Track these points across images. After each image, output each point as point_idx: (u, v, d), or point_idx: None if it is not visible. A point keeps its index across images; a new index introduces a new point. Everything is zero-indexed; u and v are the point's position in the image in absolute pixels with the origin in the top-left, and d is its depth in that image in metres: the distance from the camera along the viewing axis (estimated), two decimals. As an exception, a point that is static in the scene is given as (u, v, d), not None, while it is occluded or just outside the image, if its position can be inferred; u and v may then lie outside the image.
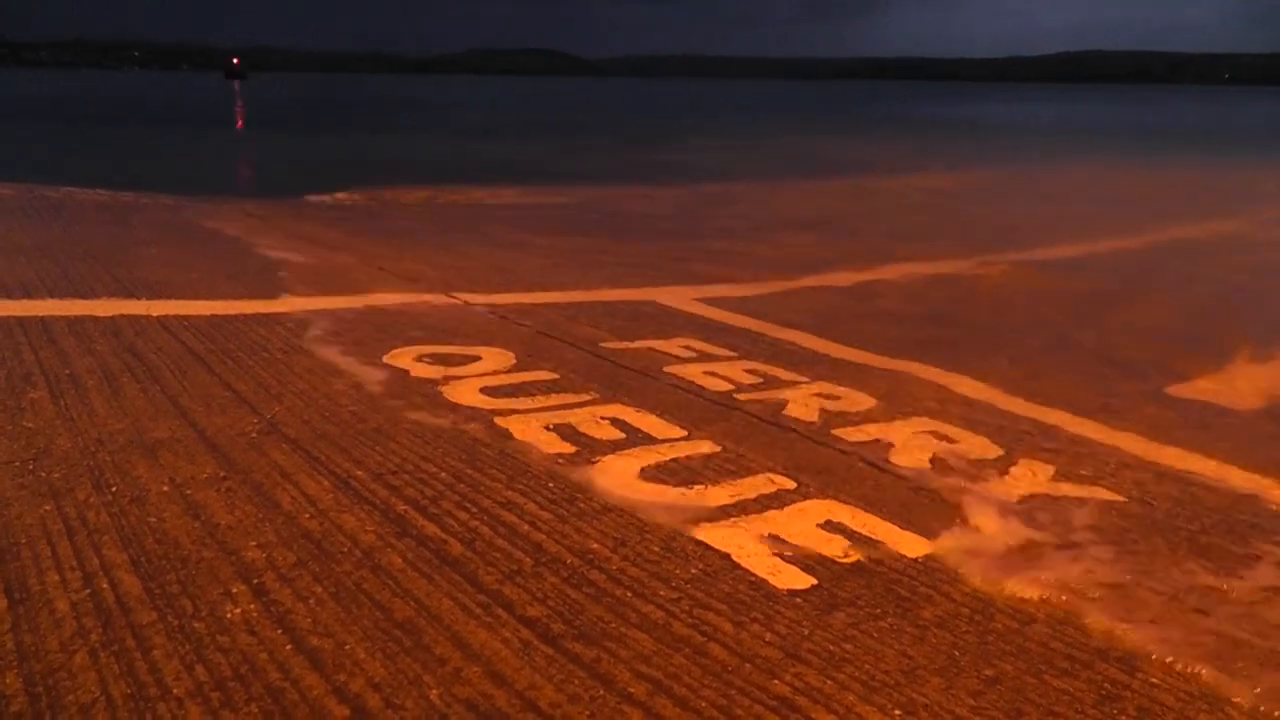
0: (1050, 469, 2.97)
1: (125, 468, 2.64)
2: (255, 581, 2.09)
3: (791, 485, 2.75)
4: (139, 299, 4.60)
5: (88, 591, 2.01)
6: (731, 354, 4.14)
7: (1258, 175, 16.28)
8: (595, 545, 2.33)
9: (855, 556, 2.35)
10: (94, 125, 25.32)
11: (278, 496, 2.51)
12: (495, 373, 3.69)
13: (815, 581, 2.22)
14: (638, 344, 4.24)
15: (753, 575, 2.23)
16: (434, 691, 1.76)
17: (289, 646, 1.87)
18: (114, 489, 2.50)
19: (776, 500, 2.64)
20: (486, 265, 6.15)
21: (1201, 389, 3.93)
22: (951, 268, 6.74)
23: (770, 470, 2.85)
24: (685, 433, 3.13)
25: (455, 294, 5.11)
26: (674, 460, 2.89)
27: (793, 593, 2.17)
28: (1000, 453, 3.09)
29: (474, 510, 2.49)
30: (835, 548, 2.39)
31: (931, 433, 3.26)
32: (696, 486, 2.71)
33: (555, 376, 3.67)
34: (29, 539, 2.22)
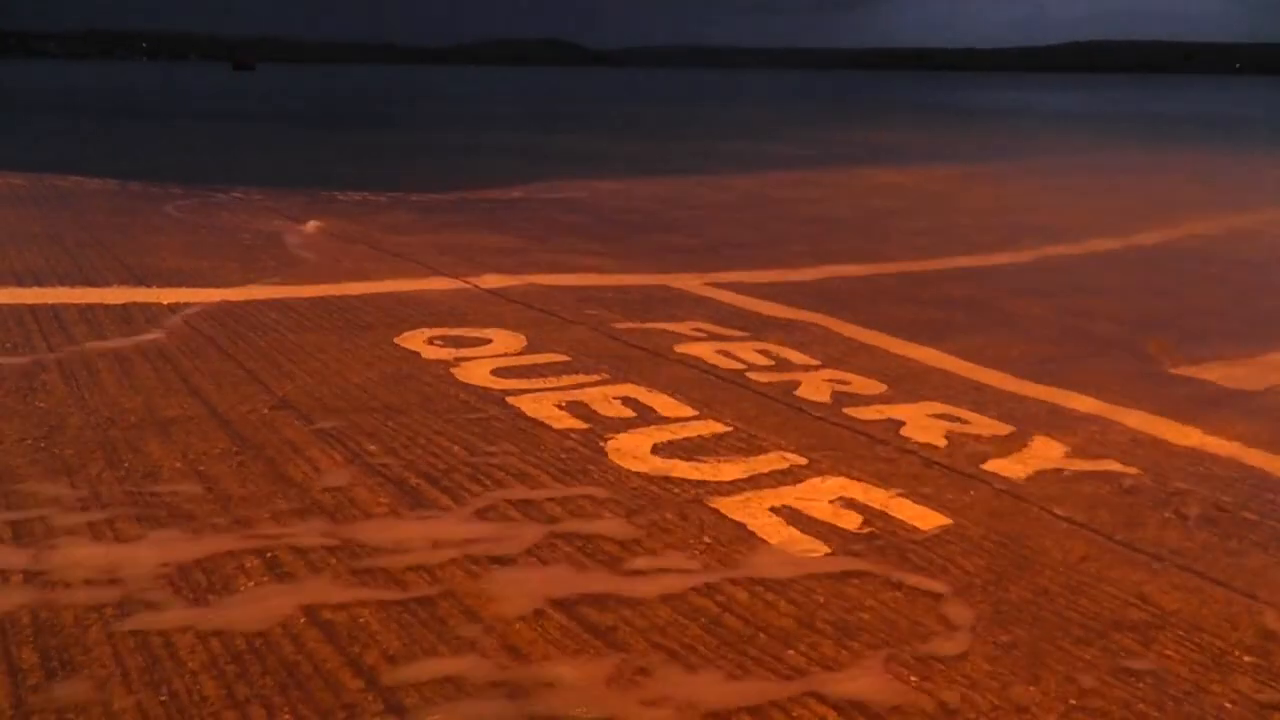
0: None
1: (138, 444, 2.64)
2: (269, 555, 2.09)
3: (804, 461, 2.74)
4: (149, 286, 4.61)
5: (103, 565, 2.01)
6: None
7: None
8: (608, 517, 2.32)
9: (869, 529, 2.34)
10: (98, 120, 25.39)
11: (290, 471, 2.51)
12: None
13: (829, 551, 2.21)
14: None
15: (766, 544, 2.22)
16: (449, 661, 1.75)
17: (303, 620, 1.86)
18: (127, 465, 2.51)
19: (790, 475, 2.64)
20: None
21: None
22: None
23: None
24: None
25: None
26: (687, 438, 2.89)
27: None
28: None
29: (487, 484, 2.48)
30: (849, 520, 2.38)
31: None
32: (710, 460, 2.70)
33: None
34: (43, 514, 2.22)
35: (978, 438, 2.99)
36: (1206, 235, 7.71)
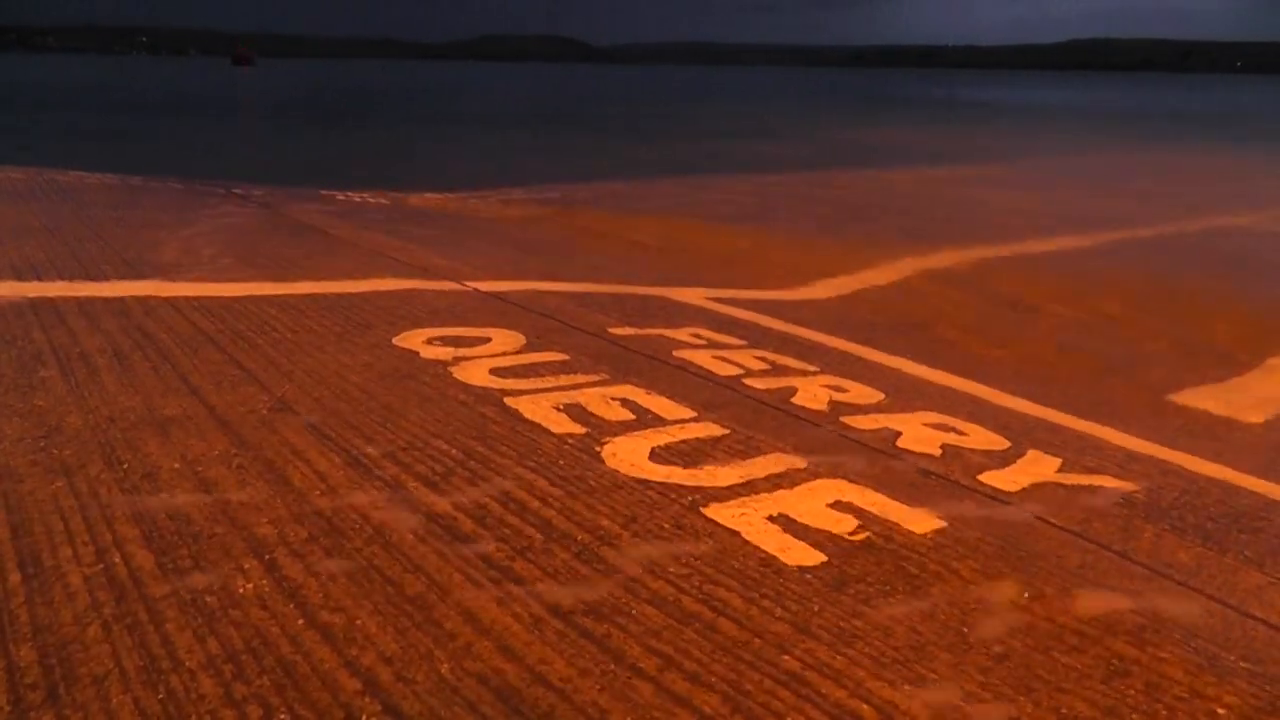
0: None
1: (137, 444, 2.65)
2: (267, 557, 2.09)
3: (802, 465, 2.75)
4: (148, 280, 4.61)
5: (100, 566, 2.02)
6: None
7: None
8: (605, 522, 2.33)
9: (865, 534, 2.35)
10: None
11: (289, 473, 2.51)
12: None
13: (825, 558, 2.22)
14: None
15: (762, 552, 2.23)
16: (445, 665, 1.76)
17: (301, 621, 1.87)
18: (126, 465, 2.51)
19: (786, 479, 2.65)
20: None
21: None
22: None
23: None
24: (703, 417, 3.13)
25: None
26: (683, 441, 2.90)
27: (802, 569, 2.17)
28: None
29: (484, 487, 2.49)
30: (845, 526, 2.39)
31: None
32: (707, 466, 2.71)
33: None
34: (41, 514, 2.22)
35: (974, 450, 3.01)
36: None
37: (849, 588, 2.10)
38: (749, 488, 2.58)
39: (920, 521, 2.43)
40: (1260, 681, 1.86)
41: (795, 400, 3.33)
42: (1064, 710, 1.74)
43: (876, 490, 2.60)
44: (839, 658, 1.84)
